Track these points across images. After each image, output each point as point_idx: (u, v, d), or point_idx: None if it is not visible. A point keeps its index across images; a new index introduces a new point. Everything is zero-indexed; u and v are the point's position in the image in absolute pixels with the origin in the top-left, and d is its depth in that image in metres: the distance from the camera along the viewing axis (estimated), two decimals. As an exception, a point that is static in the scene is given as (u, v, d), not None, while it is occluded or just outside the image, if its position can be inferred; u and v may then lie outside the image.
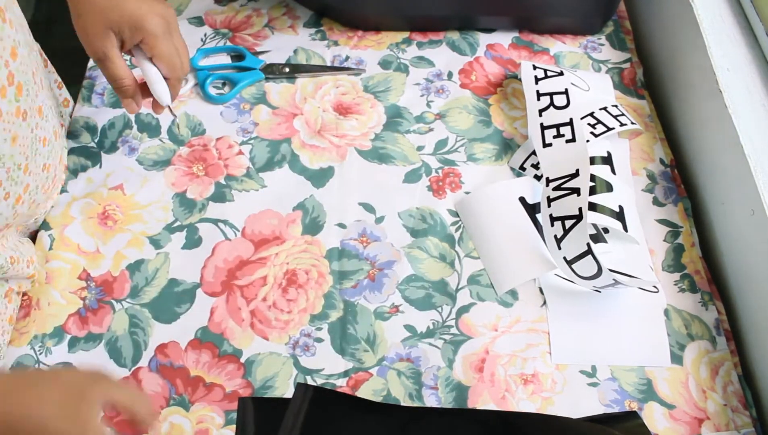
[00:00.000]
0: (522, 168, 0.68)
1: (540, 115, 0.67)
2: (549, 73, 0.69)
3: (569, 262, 0.58)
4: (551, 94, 0.67)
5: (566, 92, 0.67)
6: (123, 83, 0.57)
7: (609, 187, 0.63)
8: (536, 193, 0.65)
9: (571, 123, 0.65)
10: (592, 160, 0.64)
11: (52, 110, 0.61)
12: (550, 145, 0.65)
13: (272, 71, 0.74)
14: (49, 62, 0.67)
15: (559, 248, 0.59)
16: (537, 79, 0.69)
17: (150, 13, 0.54)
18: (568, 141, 0.64)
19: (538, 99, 0.68)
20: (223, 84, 0.74)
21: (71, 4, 0.55)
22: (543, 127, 0.66)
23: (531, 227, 0.63)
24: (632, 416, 0.55)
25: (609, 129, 0.66)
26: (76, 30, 0.55)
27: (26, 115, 0.53)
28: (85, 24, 0.54)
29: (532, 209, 0.64)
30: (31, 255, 0.60)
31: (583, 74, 0.72)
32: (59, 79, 0.70)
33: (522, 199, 0.65)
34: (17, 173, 0.53)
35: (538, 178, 0.66)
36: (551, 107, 0.67)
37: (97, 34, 0.54)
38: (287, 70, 0.74)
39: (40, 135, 0.56)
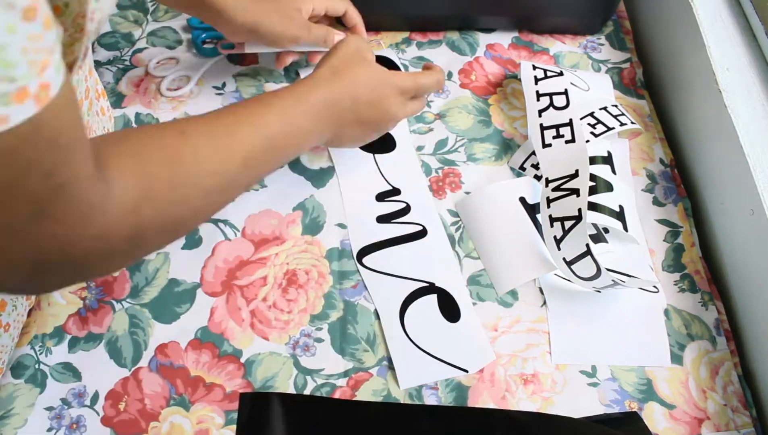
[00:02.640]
0: (522, 168, 0.68)
1: (539, 116, 0.67)
2: (549, 74, 0.69)
3: (569, 263, 0.58)
4: (551, 95, 0.67)
5: (566, 93, 0.67)
6: None
7: (609, 187, 0.63)
8: (536, 193, 0.65)
9: (570, 123, 0.65)
10: (593, 160, 0.64)
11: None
12: (549, 145, 0.65)
13: None
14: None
15: (559, 249, 0.59)
16: (537, 80, 0.69)
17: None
18: (567, 141, 0.64)
19: (538, 99, 0.68)
20: (215, 43, 0.76)
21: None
22: (542, 128, 0.66)
23: (531, 227, 0.63)
24: (633, 418, 0.55)
25: (609, 129, 0.66)
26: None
27: (90, 131, 0.56)
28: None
29: (532, 209, 0.64)
30: None
31: (582, 74, 0.72)
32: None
33: (522, 200, 0.65)
34: None
35: (538, 178, 0.66)
36: (551, 108, 0.67)
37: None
38: None
39: None
